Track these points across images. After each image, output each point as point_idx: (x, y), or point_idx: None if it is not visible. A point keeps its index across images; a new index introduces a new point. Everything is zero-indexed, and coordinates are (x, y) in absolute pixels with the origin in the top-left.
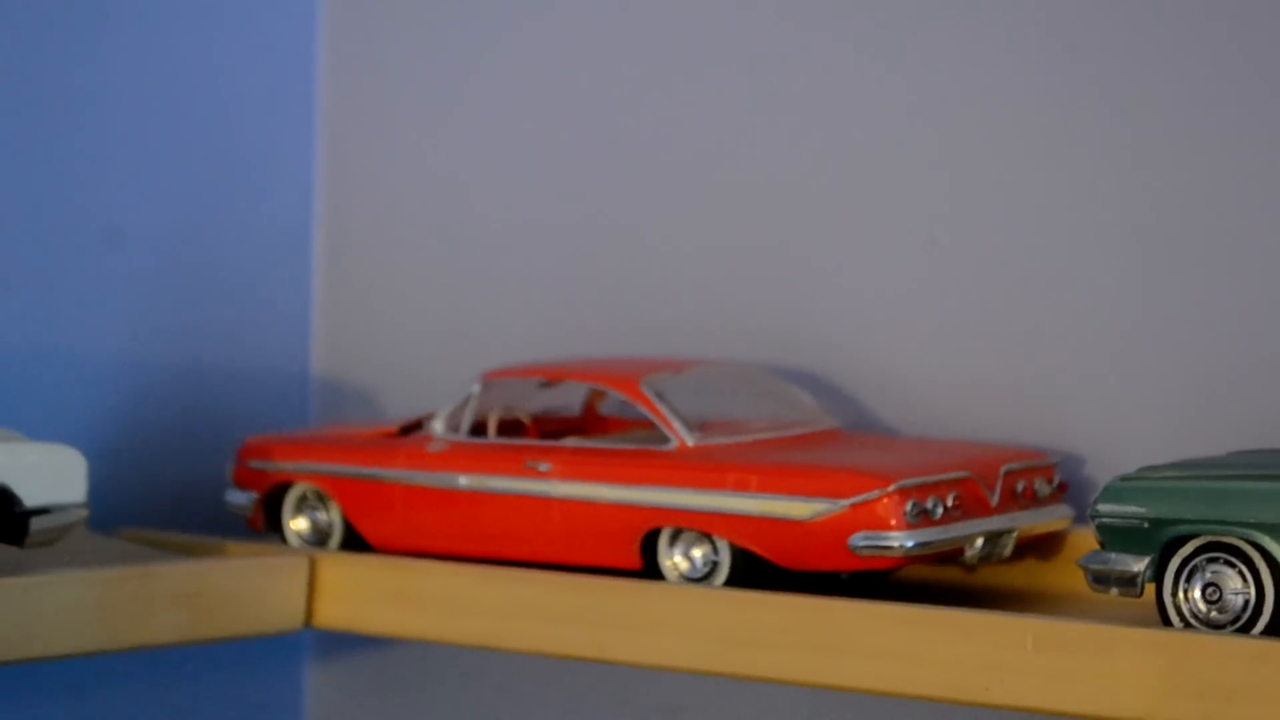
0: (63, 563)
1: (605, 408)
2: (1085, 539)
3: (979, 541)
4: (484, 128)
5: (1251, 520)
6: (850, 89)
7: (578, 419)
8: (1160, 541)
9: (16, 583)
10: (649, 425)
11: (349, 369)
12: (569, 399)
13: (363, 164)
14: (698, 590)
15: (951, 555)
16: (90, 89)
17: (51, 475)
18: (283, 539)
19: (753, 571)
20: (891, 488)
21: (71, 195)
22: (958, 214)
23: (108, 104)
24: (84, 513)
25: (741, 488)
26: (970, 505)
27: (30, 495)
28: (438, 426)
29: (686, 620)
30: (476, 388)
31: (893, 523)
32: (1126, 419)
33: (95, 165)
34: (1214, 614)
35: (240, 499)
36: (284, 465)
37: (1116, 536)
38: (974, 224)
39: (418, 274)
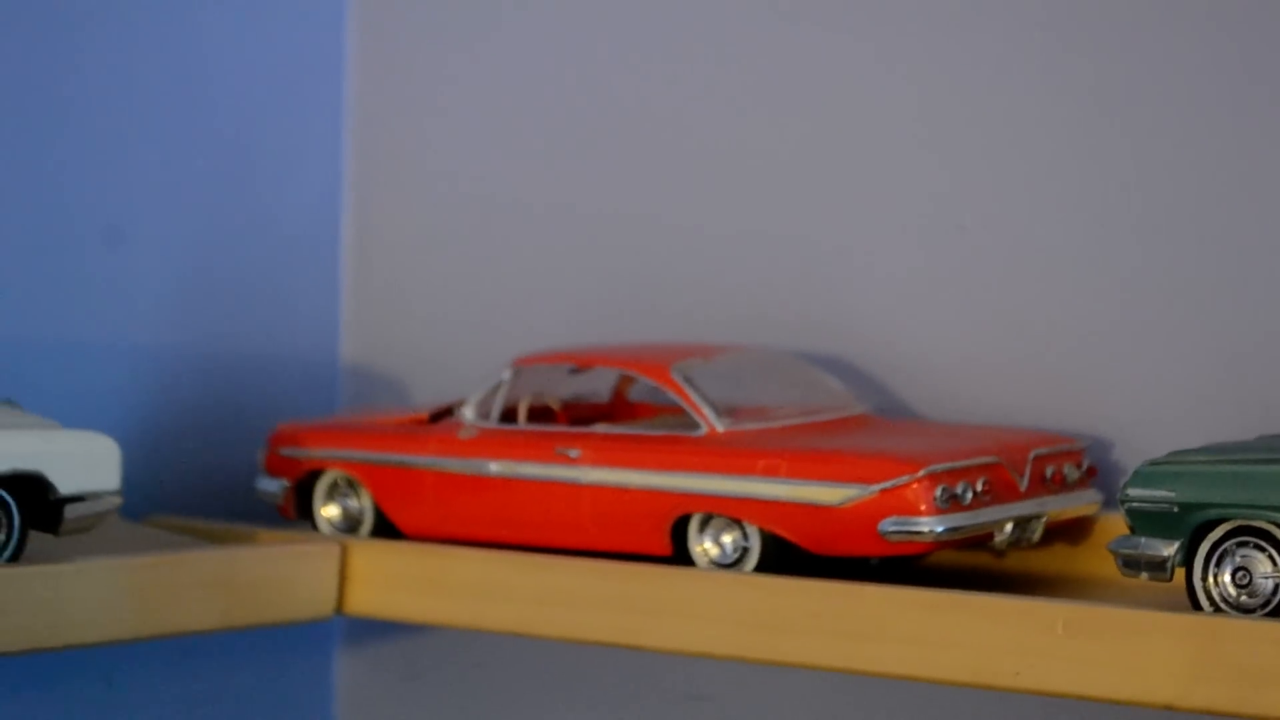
0: (96, 550)
1: (635, 394)
2: (1114, 524)
3: (1008, 526)
4: (511, 115)
5: None
6: (881, 74)
7: (607, 405)
8: (1190, 526)
9: (50, 570)
10: (679, 411)
11: (378, 356)
12: (598, 385)
13: (390, 151)
14: (728, 576)
15: (981, 540)
16: (117, 82)
17: (86, 463)
18: (314, 526)
19: (783, 557)
20: (921, 473)
21: (103, 190)
22: (987, 200)
23: (137, 97)
24: (117, 500)
25: (771, 473)
26: (999, 490)
27: (65, 483)
28: (468, 413)
29: (716, 606)
30: (507, 374)
31: (922, 508)
32: (1155, 403)
33: (127, 160)
34: (1244, 598)
35: (271, 486)
36: (315, 452)
37: (1146, 521)
38: (1003, 210)
39: (446, 261)
